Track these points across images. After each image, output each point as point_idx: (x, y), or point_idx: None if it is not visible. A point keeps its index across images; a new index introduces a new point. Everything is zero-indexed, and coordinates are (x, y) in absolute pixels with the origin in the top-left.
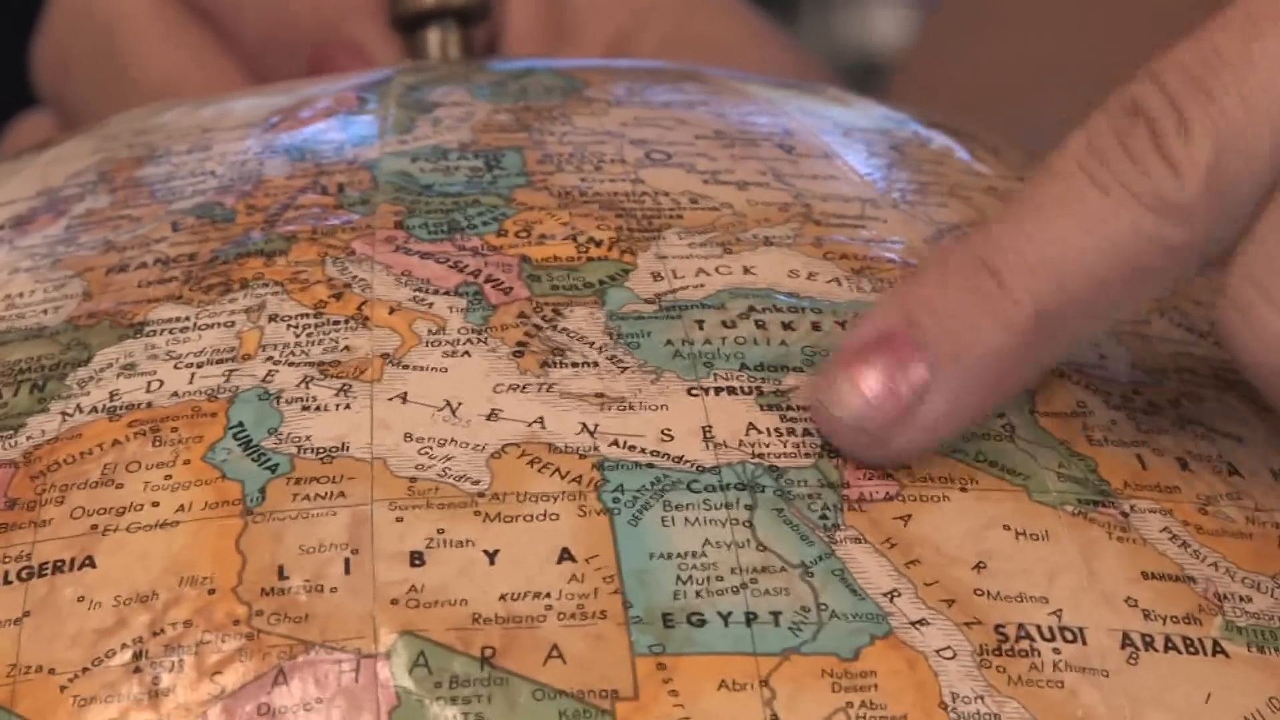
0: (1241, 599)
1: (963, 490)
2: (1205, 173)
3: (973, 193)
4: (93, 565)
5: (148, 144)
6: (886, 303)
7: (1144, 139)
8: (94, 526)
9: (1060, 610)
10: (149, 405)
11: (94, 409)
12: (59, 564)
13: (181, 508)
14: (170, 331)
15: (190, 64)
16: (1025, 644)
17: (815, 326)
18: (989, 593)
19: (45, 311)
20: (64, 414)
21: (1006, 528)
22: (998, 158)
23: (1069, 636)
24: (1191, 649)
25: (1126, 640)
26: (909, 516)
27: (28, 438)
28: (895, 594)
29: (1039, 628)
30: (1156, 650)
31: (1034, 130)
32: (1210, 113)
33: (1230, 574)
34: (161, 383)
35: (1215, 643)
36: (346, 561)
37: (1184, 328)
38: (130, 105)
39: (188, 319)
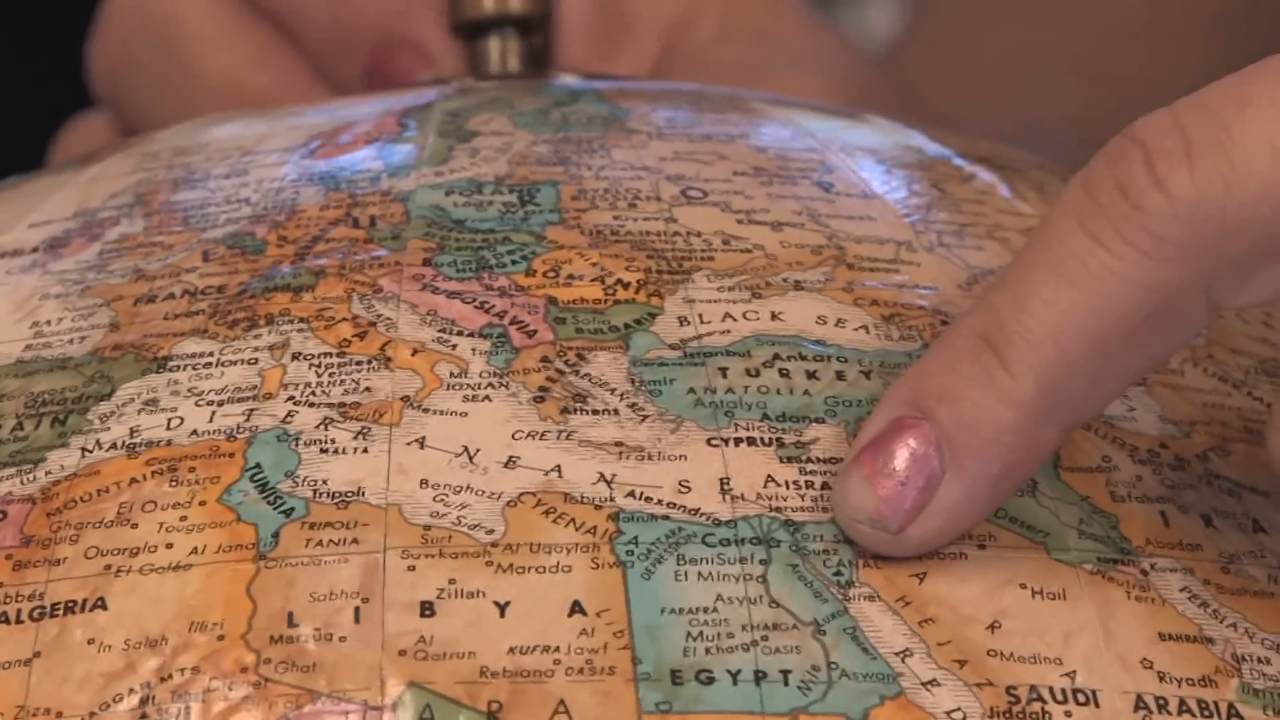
0: (1260, 660)
1: (981, 548)
2: (1196, 203)
3: (1011, 234)
4: (104, 607)
5: (186, 165)
6: (894, 392)
7: (1141, 171)
8: (107, 567)
9: (1074, 672)
10: (168, 443)
11: (114, 445)
12: (70, 605)
13: (195, 550)
14: (194, 367)
15: (249, 63)
16: (1037, 706)
17: (840, 376)
18: (1002, 653)
19: (71, 341)
20: (84, 449)
21: (1024, 586)
22: (1041, 194)
23: (1081, 699)
24: (1206, 712)
25: (1140, 703)
26: (925, 574)
27: (46, 473)
28: (907, 653)
29: (1051, 690)
30: (1170, 713)
31: (1023, 123)
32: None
33: (1250, 635)
34: (182, 420)
35: (1231, 706)
36: (356, 610)
37: (1218, 377)
38: (191, 104)
39: (212, 354)
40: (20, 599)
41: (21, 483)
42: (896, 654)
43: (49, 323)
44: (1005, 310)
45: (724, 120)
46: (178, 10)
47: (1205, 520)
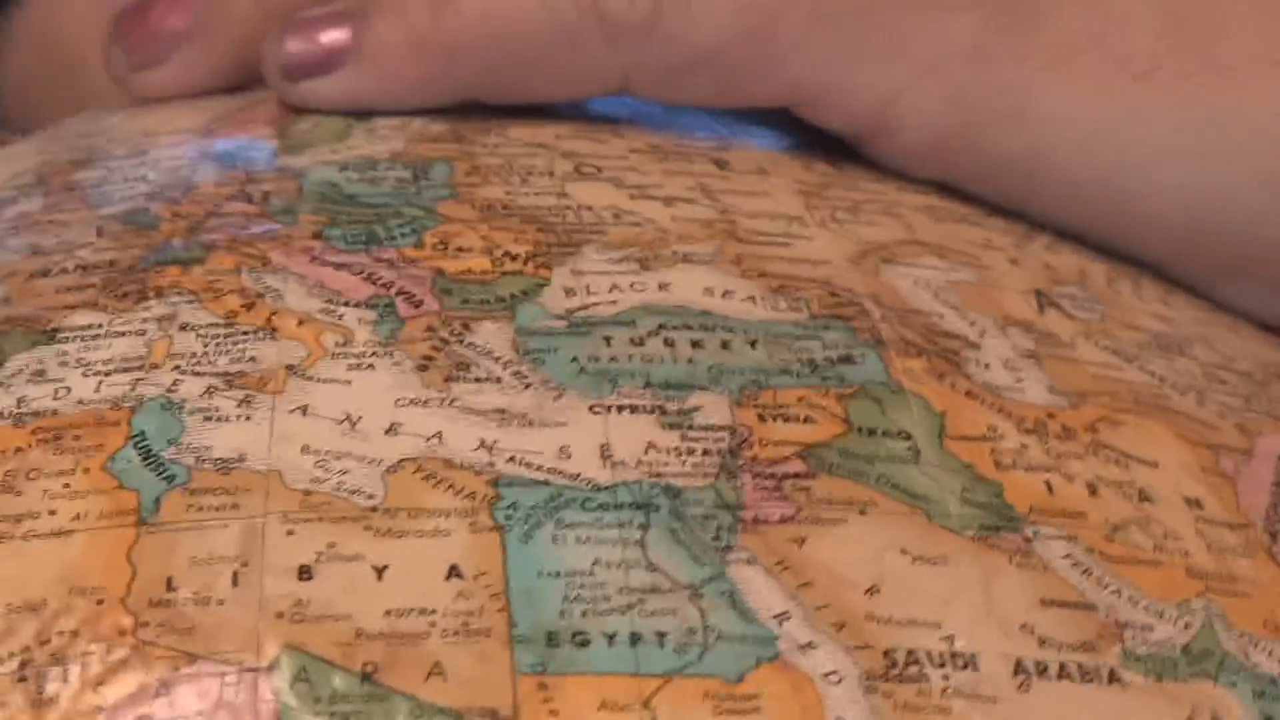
0: (1143, 627)
1: (861, 513)
2: None
3: (909, 211)
4: None
5: (88, 147)
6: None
7: None
8: None
9: (952, 636)
10: (54, 413)
11: (1, 415)
12: None
13: (78, 516)
14: (82, 339)
15: None
16: (914, 669)
17: (725, 345)
18: (880, 617)
19: None
20: None
21: (904, 552)
22: None
23: (960, 663)
24: (1087, 677)
25: (1020, 667)
26: (804, 539)
27: None
28: (785, 616)
29: (929, 653)
30: (1050, 678)
31: None
32: None
33: (1133, 601)
34: (69, 390)
35: (1112, 671)
36: (235, 574)
37: (1111, 351)
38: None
39: (100, 326)
40: None
41: None
42: (774, 617)
43: None
44: None
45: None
46: (63, 28)
47: (1090, 489)
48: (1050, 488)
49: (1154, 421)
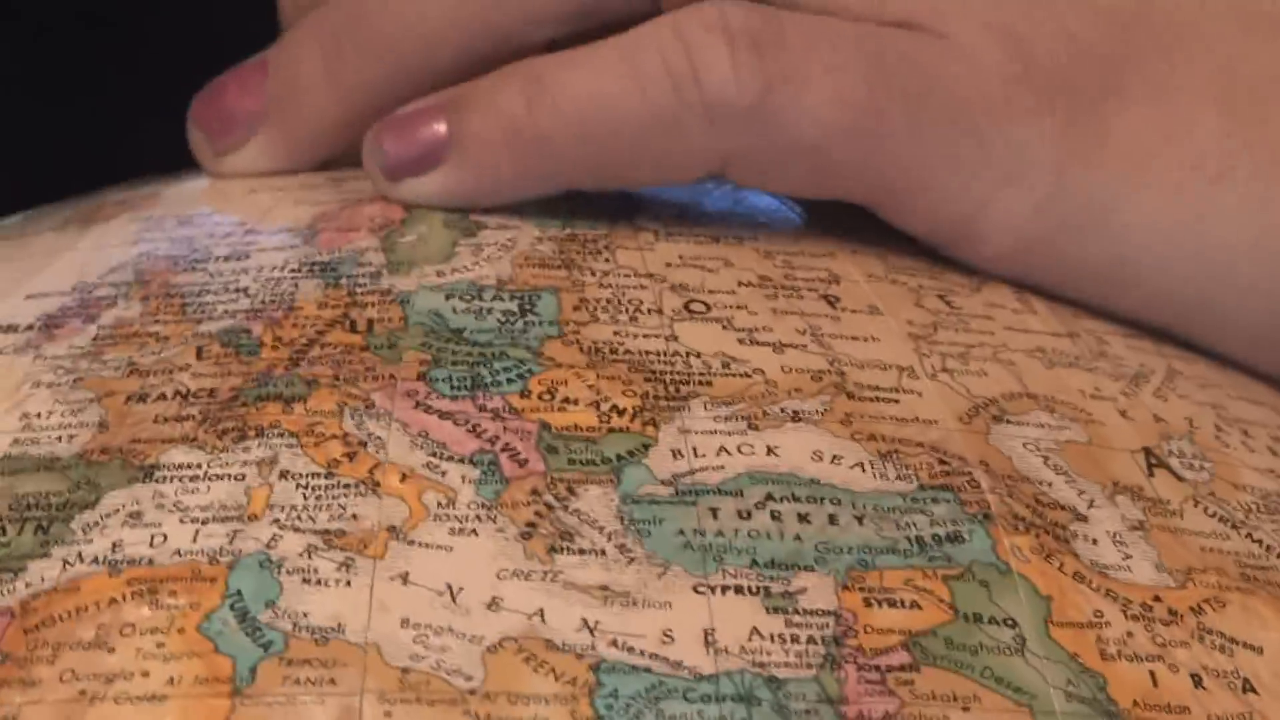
0: None
1: (965, 710)
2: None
3: (1017, 355)
4: None
5: (189, 241)
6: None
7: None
8: (82, 693)
9: None
10: (150, 562)
11: (95, 559)
12: None
13: (171, 680)
14: (180, 479)
15: None
16: None
17: (832, 519)
18: None
19: (60, 439)
20: (65, 561)
21: None
22: (1050, 307)
23: None
24: None
25: None
26: None
27: (27, 584)
28: None
29: None
30: None
31: None
32: None
33: None
34: (165, 537)
35: None
36: None
37: (1218, 518)
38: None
39: (199, 466)
40: None
41: (2, 593)
42: None
43: (39, 415)
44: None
45: (739, 203)
46: None
47: (1195, 680)
48: (1154, 679)
49: (1259, 600)
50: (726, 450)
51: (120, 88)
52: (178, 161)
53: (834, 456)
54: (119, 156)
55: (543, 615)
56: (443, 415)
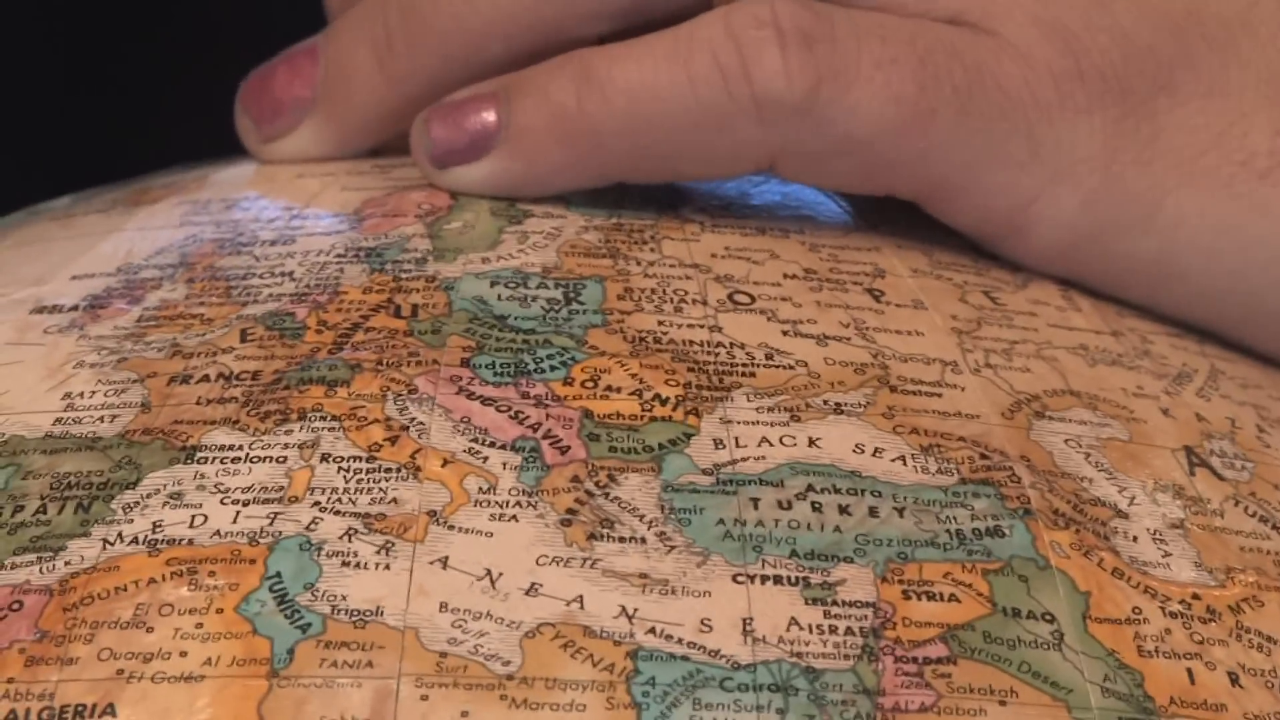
0: None
1: (1001, 704)
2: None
3: (1060, 352)
4: (113, 714)
5: (234, 225)
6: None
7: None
8: (119, 671)
9: None
10: (189, 542)
11: (135, 540)
12: (80, 709)
13: (209, 661)
14: (222, 461)
15: None
16: None
17: (873, 512)
18: None
19: (102, 419)
20: (105, 541)
21: None
22: (1095, 305)
23: None
24: None
25: None
26: None
27: (66, 563)
28: None
29: None
30: None
31: None
32: None
33: None
34: (205, 518)
35: None
36: None
37: (1259, 518)
38: None
39: (241, 448)
40: (30, 697)
41: (41, 571)
42: None
43: (81, 395)
44: (601, 58)
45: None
46: None
47: (1232, 679)
48: (1192, 676)
49: None
50: (768, 441)
51: (165, 77)
52: (223, 149)
53: (876, 449)
54: (167, 144)
55: (581, 602)
56: (485, 401)
